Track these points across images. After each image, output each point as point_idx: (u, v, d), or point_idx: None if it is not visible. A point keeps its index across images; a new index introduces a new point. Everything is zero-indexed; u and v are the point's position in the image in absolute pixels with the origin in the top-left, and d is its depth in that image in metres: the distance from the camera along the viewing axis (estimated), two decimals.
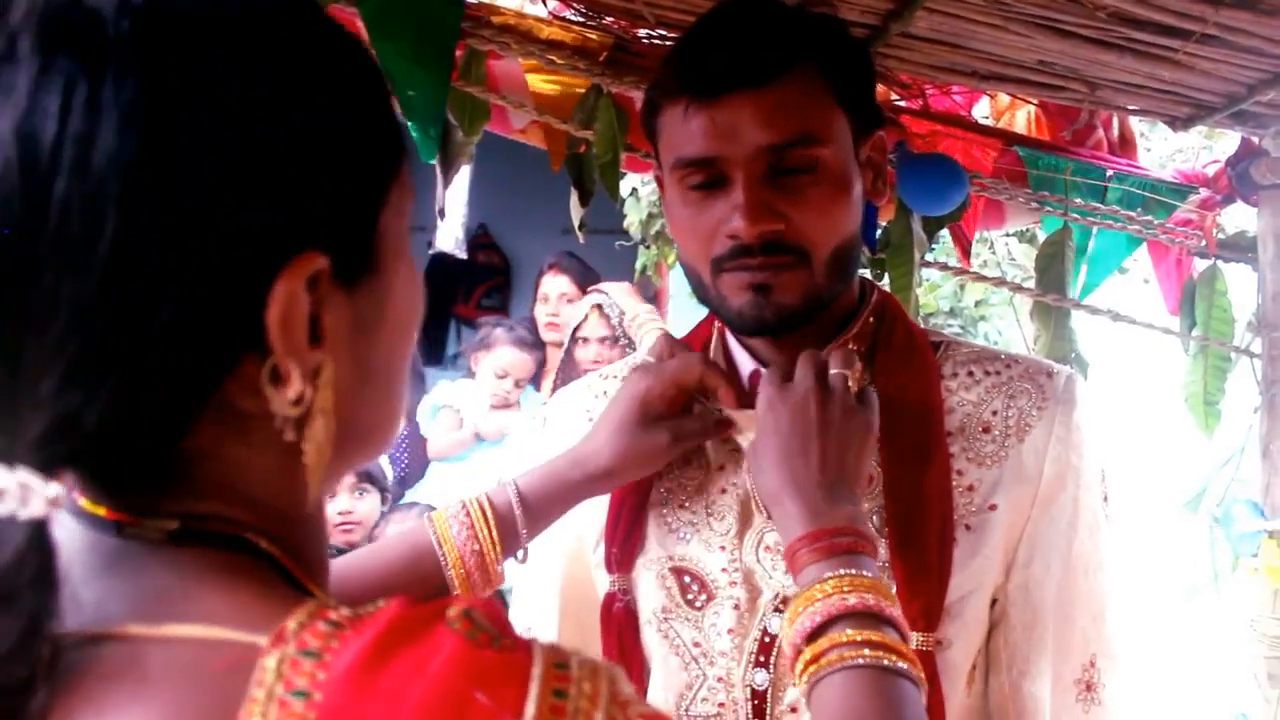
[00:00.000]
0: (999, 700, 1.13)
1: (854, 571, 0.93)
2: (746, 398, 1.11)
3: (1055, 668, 1.12)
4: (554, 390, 3.39)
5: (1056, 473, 1.11)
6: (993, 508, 1.10)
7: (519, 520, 1.08)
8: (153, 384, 0.51)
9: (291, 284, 0.52)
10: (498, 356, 3.55)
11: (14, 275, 0.47)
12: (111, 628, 0.51)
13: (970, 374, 1.15)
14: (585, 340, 3.41)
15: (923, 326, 1.21)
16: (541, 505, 1.10)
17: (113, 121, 0.48)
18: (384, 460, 3.19)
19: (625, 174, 3.67)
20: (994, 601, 1.12)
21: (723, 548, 1.13)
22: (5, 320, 0.47)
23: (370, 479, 2.96)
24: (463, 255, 4.91)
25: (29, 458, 0.48)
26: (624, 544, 1.17)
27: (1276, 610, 2.01)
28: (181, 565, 0.54)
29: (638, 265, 4.35)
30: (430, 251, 4.85)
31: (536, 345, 3.64)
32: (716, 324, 1.18)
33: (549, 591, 1.25)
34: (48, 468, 0.49)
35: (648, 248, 4.20)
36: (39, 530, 0.49)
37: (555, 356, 3.61)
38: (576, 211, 1.79)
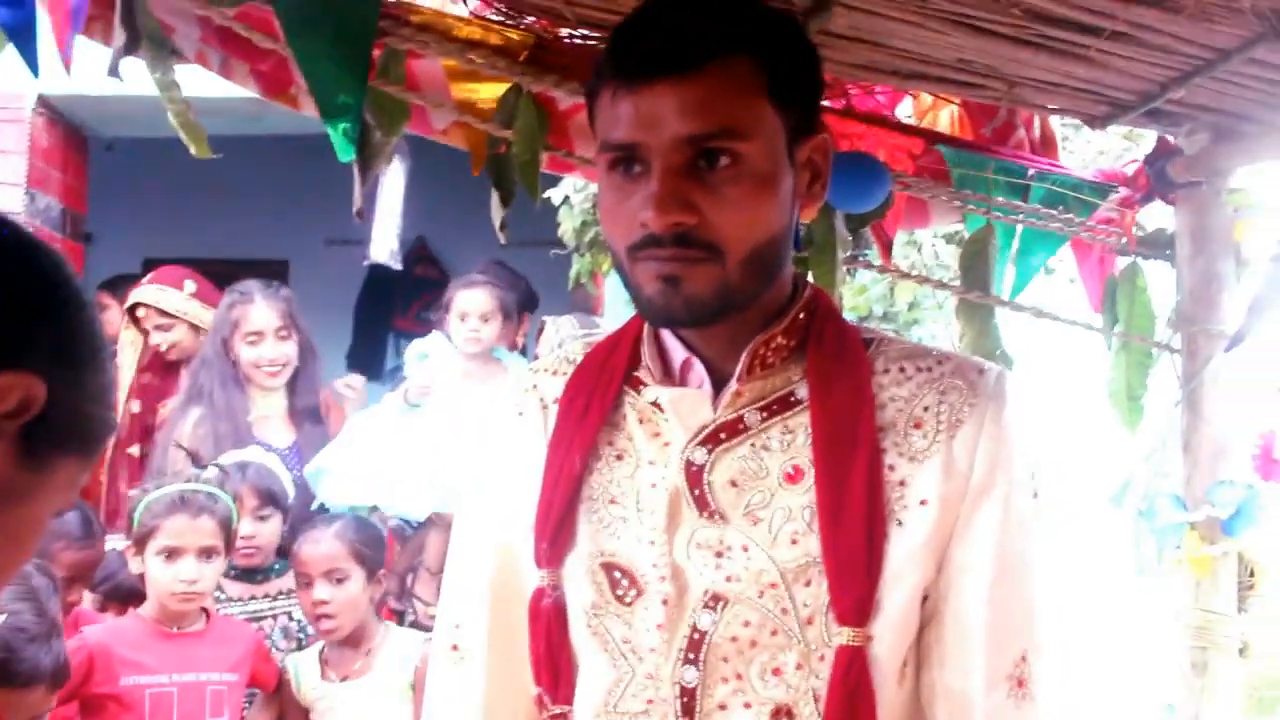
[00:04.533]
0: (929, 696, 1.12)
1: None
2: (675, 383, 1.13)
3: (987, 663, 1.11)
4: None
5: (987, 469, 1.11)
6: (924, 503, 1.10)
7: None
8: None
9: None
10: (456, 304, 3.54)
11: None
12: None
13: (902, 370, 1.15)
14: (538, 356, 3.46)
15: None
16: None
17: None
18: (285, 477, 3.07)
19: (560, 179, 3.67)
20: (925, 598, 1.12)
21: (652, 543, 1.12)
22: None
23: (273, 500, 2.84)
24: (398, 267, 4.87)
25: None
26: (553, 539, 1.15)
27: (1199, 601, 2.04)
28: None
29: (571, 274, 4.33)
30: (365, 264, 4.79)
31: (485, 283, 3.63)
32: None
33: (478, 588, 1.23)
34: None
35: (582, 256, 4.18)
36: None
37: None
38: (498, 212, 1.77)
